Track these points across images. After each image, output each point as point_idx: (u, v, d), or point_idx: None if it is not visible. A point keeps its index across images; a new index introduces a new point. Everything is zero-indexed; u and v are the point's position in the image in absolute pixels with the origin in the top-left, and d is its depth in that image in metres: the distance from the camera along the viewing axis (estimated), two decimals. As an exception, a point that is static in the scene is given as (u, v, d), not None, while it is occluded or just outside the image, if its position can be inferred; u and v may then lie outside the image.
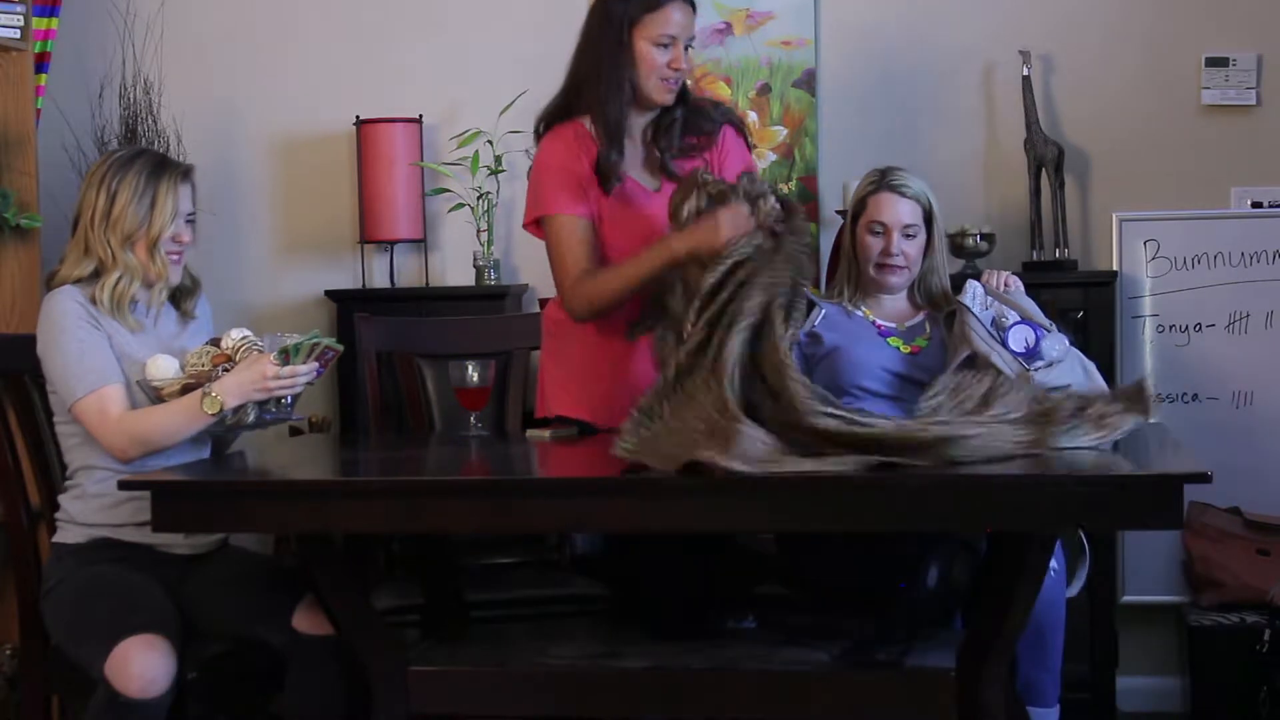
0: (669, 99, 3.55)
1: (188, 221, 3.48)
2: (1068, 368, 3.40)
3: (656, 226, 3.47)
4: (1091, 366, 3.49)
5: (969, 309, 3.44)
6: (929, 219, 3.64)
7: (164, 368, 3.39)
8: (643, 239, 3.47)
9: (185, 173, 3.49)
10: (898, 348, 3.58)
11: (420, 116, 4.63)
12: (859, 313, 3.67)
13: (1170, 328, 4.34)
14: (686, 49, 3.53)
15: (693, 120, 3.61)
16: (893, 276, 3.63)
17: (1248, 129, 4.44)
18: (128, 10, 4.70)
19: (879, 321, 3.65)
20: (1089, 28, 4.47)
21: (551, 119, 3.64)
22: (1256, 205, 4.38)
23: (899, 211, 3.61)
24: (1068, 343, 3.47)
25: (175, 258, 3.47)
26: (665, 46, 3.51)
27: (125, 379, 3.39)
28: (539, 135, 3.65)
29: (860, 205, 3.68)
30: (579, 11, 4.66)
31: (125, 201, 3.42)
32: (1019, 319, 3.42)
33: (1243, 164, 4.44)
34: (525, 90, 4.59)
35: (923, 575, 3.32)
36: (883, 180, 3.65)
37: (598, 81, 3.53)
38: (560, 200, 3.55)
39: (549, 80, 4.65)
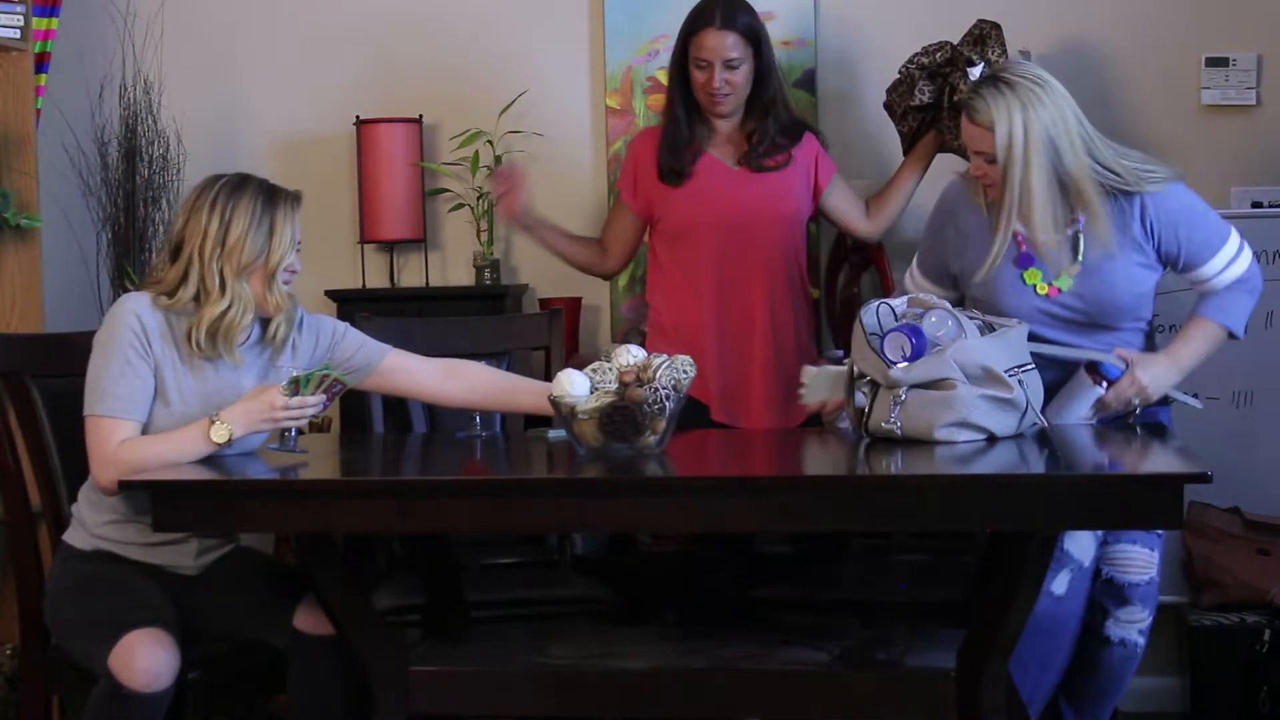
0: (719, 112, 3.98)
1: (297, 251, 3.36)
2: (937, 364, 3.17)
3: (720, 193, 3.91)
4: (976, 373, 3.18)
5: (860, 321, 3.28)
6: None
7: (579, 385, 3.12)
8: (705, 204, 3.96)
9: (297, 198, 3.36)
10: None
11: (420, 116, 4.63)
12: None
13: (1170, 328, 4.34)
14: (733, 68, 3.91)
15: (783, 130, 4.02)
16: None
17: (1248, 129, 4.44)
18: (128, 10, 4.69)
19: None
20: (1089, 28, 4.46)
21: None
22: (1256, 205, 4.38)
23: None
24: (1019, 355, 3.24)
25: (288, 287, 3.35)
26: (701, 68, 3.94)
27: (149, 418, 3.28)
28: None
29: None
30: (578, 11, 4.70)
31: (242, 230, 3.27)
32: (900, 326, 3.22)
33: (1243, 164, 4.43)
34: (525, 90, 4.60)
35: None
36: None
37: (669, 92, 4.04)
38: (622, 183, 4.13)
39: (549, 80, 4.68)
